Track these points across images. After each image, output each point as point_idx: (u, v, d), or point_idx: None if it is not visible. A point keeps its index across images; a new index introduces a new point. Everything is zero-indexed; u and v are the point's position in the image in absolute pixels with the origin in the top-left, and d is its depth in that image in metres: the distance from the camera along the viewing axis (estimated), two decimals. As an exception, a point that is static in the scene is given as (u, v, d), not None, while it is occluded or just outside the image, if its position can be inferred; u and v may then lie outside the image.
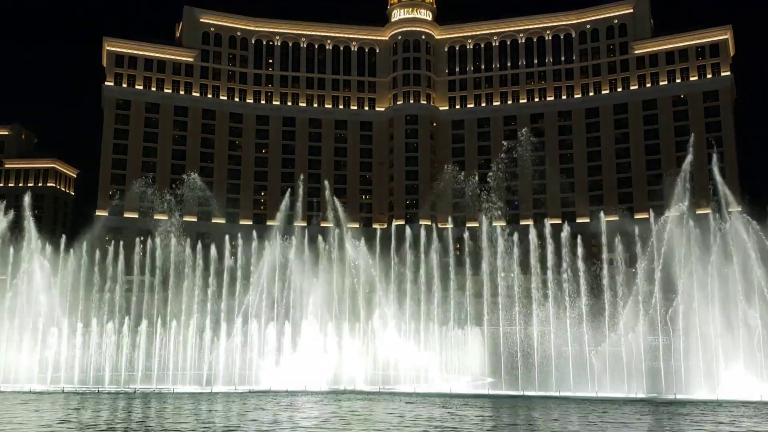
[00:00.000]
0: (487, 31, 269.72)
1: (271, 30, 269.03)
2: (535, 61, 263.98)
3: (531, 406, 71.04)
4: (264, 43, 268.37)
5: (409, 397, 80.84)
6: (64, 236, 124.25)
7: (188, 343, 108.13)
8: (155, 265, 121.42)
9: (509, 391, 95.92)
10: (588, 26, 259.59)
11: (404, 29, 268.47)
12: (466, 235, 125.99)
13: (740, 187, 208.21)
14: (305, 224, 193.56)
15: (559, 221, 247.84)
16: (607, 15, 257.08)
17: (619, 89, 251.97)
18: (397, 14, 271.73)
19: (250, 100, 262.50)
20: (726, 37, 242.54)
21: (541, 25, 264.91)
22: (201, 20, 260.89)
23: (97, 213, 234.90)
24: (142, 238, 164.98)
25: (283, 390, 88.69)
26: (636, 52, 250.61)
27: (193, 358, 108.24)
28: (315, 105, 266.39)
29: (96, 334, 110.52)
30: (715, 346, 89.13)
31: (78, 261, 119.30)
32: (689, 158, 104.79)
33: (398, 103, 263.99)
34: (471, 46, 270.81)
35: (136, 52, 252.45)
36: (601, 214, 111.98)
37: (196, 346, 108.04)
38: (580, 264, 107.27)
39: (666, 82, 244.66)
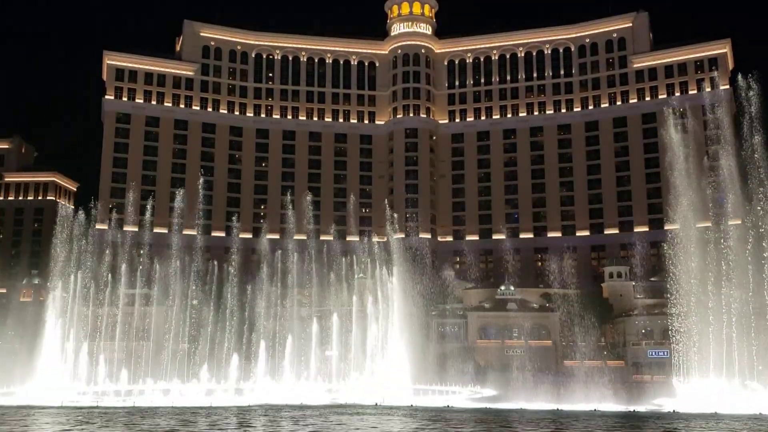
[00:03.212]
0: (487, 45, 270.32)
1: (271, 44, 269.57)
2: (535, 75, 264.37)
3: (532, 421, 70.78)
4: (264, 56, 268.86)
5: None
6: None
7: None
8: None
9: (514, 404, 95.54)
10: (587, 40, 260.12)
11: (404, 43, 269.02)
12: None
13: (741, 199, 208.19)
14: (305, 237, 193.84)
15: (559, 234, 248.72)
16: (606, 29, 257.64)
17: (619, 103, 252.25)
18: (397, 28, 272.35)
19: (250, 114, 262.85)
20: (725, 50, 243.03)
21: (540, 39, 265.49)
22: (201, 34, 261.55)
23: (97, 226, 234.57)
24: (142, 251, 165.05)
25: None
26: (635, 65, 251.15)
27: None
28: (315, 118, 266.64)
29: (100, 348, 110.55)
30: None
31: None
32: None
33: (398, 116, 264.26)
34: (470, 60, 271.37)
35: (136, 65, 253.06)
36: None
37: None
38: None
39: (665, 96, 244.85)
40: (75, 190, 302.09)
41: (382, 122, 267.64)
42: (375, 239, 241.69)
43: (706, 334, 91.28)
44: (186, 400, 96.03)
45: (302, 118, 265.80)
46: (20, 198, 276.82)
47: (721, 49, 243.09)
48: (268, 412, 79.51)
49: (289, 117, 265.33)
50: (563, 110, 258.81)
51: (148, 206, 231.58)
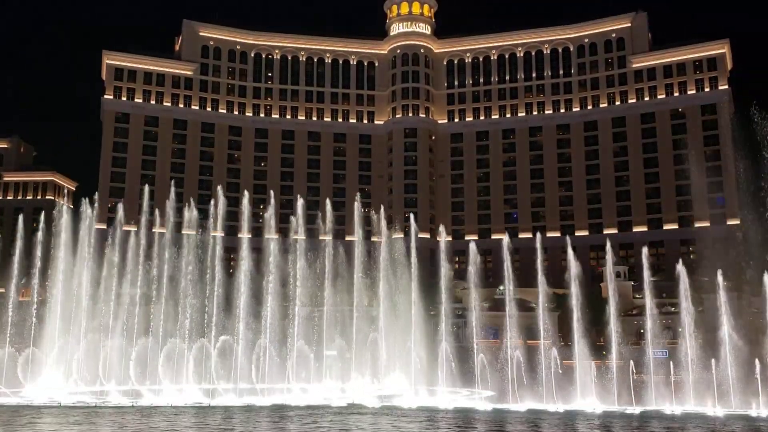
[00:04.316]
0: (486, 45, 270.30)
1: (270, 43, 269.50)
2: (534, 75, 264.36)
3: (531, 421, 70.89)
4: (263, 56, 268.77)
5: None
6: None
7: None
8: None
9: (512, 404, 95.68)
10: (586, 40, 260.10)
11: (403, 43, 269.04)
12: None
13: (738, 200, 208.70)
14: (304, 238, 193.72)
15: (557, 234, 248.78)
16: (605, 29, 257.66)
17: (617, 103, 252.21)
18: (396, 28, 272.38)
19: (249, 114, 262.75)
20: (723, 50, 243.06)
21: (539, 39, 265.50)
22: (201, 33, 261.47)
23: (96, 226, 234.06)
24: (141, 251, 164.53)
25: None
26: (634, 65, 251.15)
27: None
28: (314, 118, 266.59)
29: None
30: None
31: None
32: None
33: (397, 116, 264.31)
34: (470, 60, 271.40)
35: (135, 65, 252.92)
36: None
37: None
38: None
39: (664, 96, 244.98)
40: (74, 189, 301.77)
41: (382, 122, 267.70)
42: (374, 239, 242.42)
43: (712, 334, 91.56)
44: (186, 399, 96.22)
45: (301, 117, 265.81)
46: (19, 197, 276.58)
47: (720, 49, 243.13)
48: (272, 412, 79.67)
49: (288, 117, 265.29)
50: (562, 110, 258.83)
51: (146, 206, 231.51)
